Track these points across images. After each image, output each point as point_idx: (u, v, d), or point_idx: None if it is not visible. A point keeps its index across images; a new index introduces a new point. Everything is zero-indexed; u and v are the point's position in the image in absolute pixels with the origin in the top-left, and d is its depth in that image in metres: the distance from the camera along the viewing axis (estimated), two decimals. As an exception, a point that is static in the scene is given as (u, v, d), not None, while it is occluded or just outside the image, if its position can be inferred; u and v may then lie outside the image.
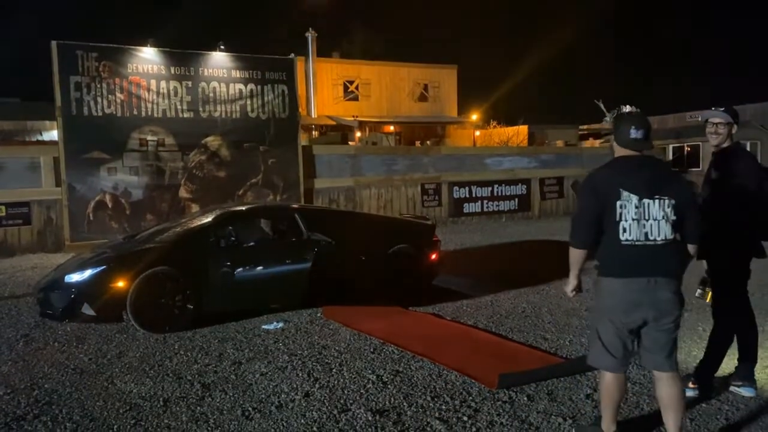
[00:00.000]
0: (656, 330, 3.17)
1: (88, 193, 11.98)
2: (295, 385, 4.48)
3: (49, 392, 4.43)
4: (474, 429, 3.73)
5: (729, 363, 4.36)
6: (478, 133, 35.46)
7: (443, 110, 34.59)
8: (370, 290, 6.85)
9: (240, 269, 6.31)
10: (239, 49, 22.67)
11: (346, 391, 4.35)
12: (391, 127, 32.23)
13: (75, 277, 6.03)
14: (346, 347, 5.37)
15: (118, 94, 12.24)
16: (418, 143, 29.70)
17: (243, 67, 13.56)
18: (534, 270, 8.92)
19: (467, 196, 16.36)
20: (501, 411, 3.96)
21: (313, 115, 29.05)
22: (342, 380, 4.56)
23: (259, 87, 13.66)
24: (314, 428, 3.78)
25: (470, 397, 4.19)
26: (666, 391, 3.23)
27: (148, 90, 12.54)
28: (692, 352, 5.04)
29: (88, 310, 5.88)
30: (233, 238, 6.47)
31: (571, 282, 3.41)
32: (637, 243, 3.11)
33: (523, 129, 33.30)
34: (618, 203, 3.12)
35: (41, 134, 23.97)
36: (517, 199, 17.16)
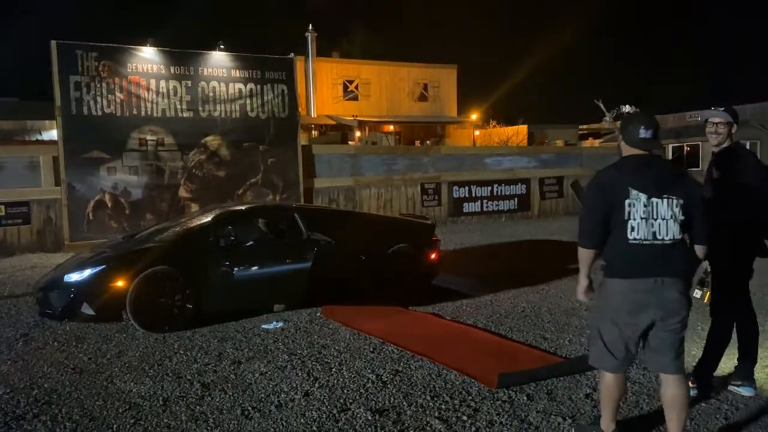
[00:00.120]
0: (663, 330, 3.16)
1: (87, 192, 11.97)
2: (294, 385, 4.47)
3: (49, 391, 4.43)
4: (473, 428, 3.73)
5: (728, 363, 4.37)
6: (477, 132, 35.49)
7: (443, 110, 34.61)
8: (370, 290, 6.85)
9: (239, 269, 6.31)
10: (239, 48, 22.69)
11: (345, 391, 4.35)
12: (391, 127, 32.25)
13: (74, 277, 6.03)
14: (345, 347, 5.37)
15: (118, 94, 12.23)
16: (417, 143, 29.72)
17: (242, 67, 13.55)
18: (533, 269, 8.92)
19: (467, 195, 16.36)
20: (500, 410, 3.96)
21: (313, 114, 29.06)
22: (341, 380, 4.56)
23: (258, 86, 13.65)
24: (314, 428, 3.77)
25: (470, 397, 4.19)
26: (672, 392, 3.22)
27: (148, 89, 12.53)
28: (692, 351, 5.03)
29: (87, 309, 5.88)
30: (233, 238, 6.47)
31: (582, 283, 3.33)
32: (644, 242, 3.10)
33: (523, 129, 33.32)
34: (626, 202, 3.10)
35: (41, 134, 23.96)
36: (516, 199, 17.15)
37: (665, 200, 3.10)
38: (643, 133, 3.18)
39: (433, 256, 7.51)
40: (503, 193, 16.93)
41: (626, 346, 3.23)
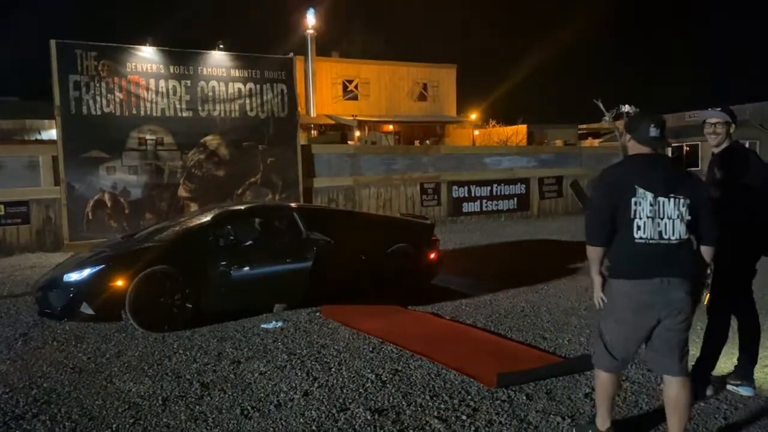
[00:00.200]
0: (667, 330, 3.15)
1: (87, 192, 11.97)
2: (294, 384, 4.48)
3: (48, 391, 4.43)
4: (473, 428, 3.73)
5: (727, 362, 4.37)
6: (477, 132, 35.50)
7: (442, 109, 34.62)
8: (369, 289, 6.86)
9: (239, 268, 6.30)
10: (238, 48, 22.68)
11: (345, 390, 4.35)
12: (391, 127, 32.25)
13: (74, 276, 6.03)
14: (345, 346, 5.37)
15: (117, 93, 12.23)
16: (417, 142, 29.72)
17: (242, 66, 13.55)
18: (533, 269, 8.92)
19: (466, 195, 16.37)
20: (500, 410, 3.96)
21: (312, 114, 29.06)
22: (341, 379, 4.56)
23: (258, 86, 13.65)
24: (313, 427, 3.78)
25: (469, 396, 4.19)
26: (675, 394, 3.21)
27: (147, 89, 12.53)
28: (691, 351, 5.03)
29: (86, 309, 5.88)
30: (232, 237, 6.47)
31: (596, 281, 3.30)
32: (650, 241, 3.08)
33: (522, 128, 33.33)
34: (633, 200, 3.09)
35: (40, 133, 23.95)
36: (516, 199, 17.16)
37: (672, 199, 3.09)
38: (654, 131, 3.18)
39: (432, 255, 7.51)
40: (503, 193, 16.94)
41: (627, 348, 3.23)
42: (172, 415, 3.99)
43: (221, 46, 21.60)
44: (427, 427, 3.75)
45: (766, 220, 4.00)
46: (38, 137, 23.57)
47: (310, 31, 29.67)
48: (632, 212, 3.10)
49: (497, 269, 9.20)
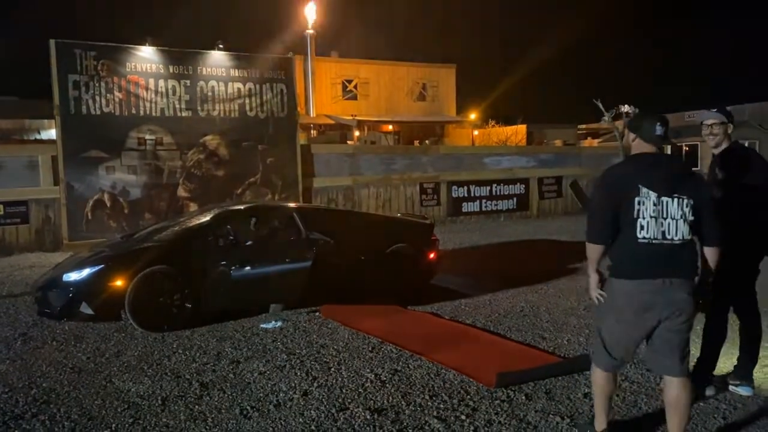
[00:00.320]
0: (669, 330, 3.14)
1: (86, 192, 11.96)
2: (293, 384, 4.48)
3: (47, 391, 4.43)
4: (472, 428, 3.73)
5: (727, 362, 4.38)
6: (476, 132, 35.52)
7: (442, 109, 34.62)
8: (369, 289, 6.85)
9: (238, 268, 6.30)
10: (238, 47, 22.66)
11: (344, 390, 4.35)
12: (390, 127, 32.25)
13: (73, 276, 6.03)
14: (344, 346, 5.37)
15: (117, 93, 12.22)
16: (416, 142, 29.71)
17: (241, 66, 13.55)
18: (532, 269, 8.93)
19: (466, 195, 16.36)
20: (499, 410, 3.97)
21: (312, 114, 29.06)
22: (340, 379, 4.57)
23: (257, 86, 13.65)
24: (312, 427, 3.78)
25: (468, 396, 4.19)
26: (675, 394, 3.20)
27: (147, 89, 12.52)
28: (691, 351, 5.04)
29: (86, 308, 5.88)
30: (231, 237, 6.47)
31: (592, 278, 3.30)
32: (653, 242, 3.07)
33: (522, 128, 33.34)
34: (636, 199, 3.07)
35: (39, 133, 23.95)
36: (515, 199, 17.16)
37: (675, 199, 3.07)
38: (659, 130, 3.18)
39: (431, 255, 7.51)
40: (502, 193, 16.94)
41: (627, 348, 3.22)
42: (171, 414, 3.99)
43: (221, 45, 21.54)
44: (427, 427, 3.75)
45: (765, 220, 4.00)
46: (37, 137, 23.56)
47: (310, 31, 29.67)
48: (635, 212, 3.08)
49: (497, 269, 9.20)
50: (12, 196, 11.63)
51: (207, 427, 3.80)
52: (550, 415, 3.87)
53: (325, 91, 31.07)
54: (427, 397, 4.18)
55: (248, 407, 4.08)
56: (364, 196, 15.04)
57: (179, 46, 13.49)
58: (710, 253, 3.27)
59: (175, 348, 5.41)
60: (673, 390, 3.21)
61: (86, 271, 6.01)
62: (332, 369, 4.79)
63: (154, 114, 12.59)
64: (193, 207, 12.43)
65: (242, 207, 7.42)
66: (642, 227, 3.08)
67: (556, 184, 17.88)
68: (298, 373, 4.70)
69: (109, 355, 5.24)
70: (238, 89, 13.45)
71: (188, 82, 12.91)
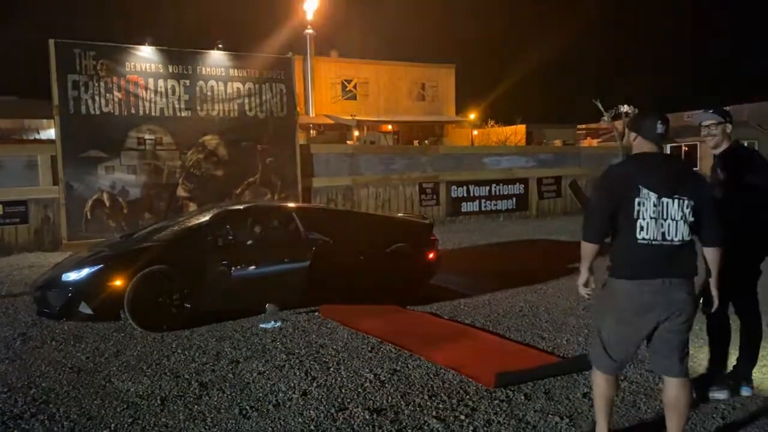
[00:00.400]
0: (668, 331, 3.13)
1: (85, 191, 11.96)
2: (292, 384, 4.48)
3: (47, 391, 4.43)
4: (471, 428, 3.73)
5: (727, 362, 4.37)
6: (476, 132, 35.51)
7: (441, 109, 34.62)
8: (368, 289, 6.85)
9: (237, 268, 6.30)
10: (237, 47, 22.66)
11: (343, 390, 4.35)
12: (389, 127, 32.24)
13: (72, 276, 6.03)
14: (343, 346, 5.37)
15: (116, 93, 12.22)
16: (416, 142, 29.70)
17: (241, 66, 13.55)
18: (532, 269, 8.93)
19: (465, 195, 16.37)
20: (498, 410, 3.97)
21: (311, 114, 29.07)
22: (339, 379, 4.57)
23: (257, 86, 13.65)
24: (311, 427, 3.78)
25: (467, 396, 4.19)
26: (674, 394, 3.20)
27: (146, 89, 12.52)
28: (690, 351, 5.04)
29: (85, 308, 5.88)
30: (231, 237, 6.47)
31: (583, 275, 3.29)
32: (653, 243, 3.06)
33: (521, 128, 33.32)
34: (636, 200, 3.06)
35: (38, 133, 23.93)
36: (514, 199, 17.17)
37: (676, 200, 3.06)
38: (660, 128, 3.17)
39: (431, 255, 7.51)
40: (501, 193, 16.95)
41: (626, 348, 3.21)
42: (170, 414, 3.99)
43: (220, 45, 21.53)
44: (426, 427, 3.75)
45: (765, 220, 4.00)
46: (37, 137, 23.53)
47: (309, 31, 29.66)
48: (635, 212, 3.07)
49: (496, 269, 9.21)
50: (11, 195, 11.63)
51: (206, 427, 3.80)
52: (549, 415, 3.88)
53: (324, 91, 31.07)
54: (426, 397, 4.19)
55: (247, 407, 4.08)
56: (363, 196, 15.04)
57: (178, 46, 13.51)
58: (711, 254, 3.25)
59: (174, 348, 5.41)
60: (672, 390, 3.21)
61: (85, 271, 6.01)
62: (331, 369, 4.79)
63: (153, 114, 12.59)
64: (192, 207, 12.43)
65: (241, 207, 7.41)
66: (642, 228, 3.07)
67: (555, 184, 17.89)
68: (298, 373, 4.70)
69: (109, 355, 5.24)
70: (238, 89, 13.45)
71: (187, 81, 12.91)
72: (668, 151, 26.19)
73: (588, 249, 3.23)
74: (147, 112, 12.53)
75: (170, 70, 12.79)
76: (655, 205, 3.06)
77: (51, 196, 11.87)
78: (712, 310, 3.47)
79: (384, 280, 6.96)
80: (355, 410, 4.00)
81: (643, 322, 3.13)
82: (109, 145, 12.14)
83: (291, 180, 13.98)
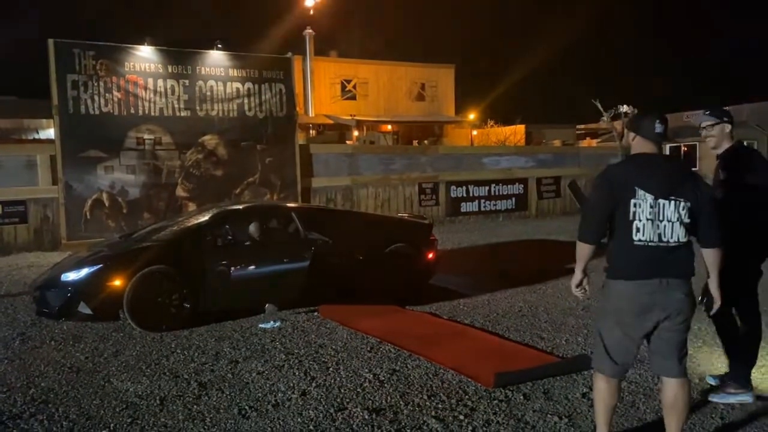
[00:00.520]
0: (667, 331, 3.13)
1: (84, 191, 11.96)
2: (291, 384, 4.48)
3: (46, 391, 4.43)
4: (470, 428, 3.73)
5: (726, 362, 4.38)
6: (475, 132, 35.47)
7: (441, 109, 34.61)
8: (367, 289, 6.85)
9: (237, 268, 6.30)
10: (237, 47, 22.67)
11: (342, 390, 4.35)
12: (389, 127, 32.22)
13: (71, 276, 6.03)
14: (342, 346, 5.37)
15: (115, 93, 12.22)
16: (415, 142, 29.71)
17: (240, 66, 13.56)
18: (531, 269, 8.93)
19: (464, 195, 16.38)
20: (497, 410, 3.97)
21: (311, 114, 29.05)
22: (339, 379, 4.57)
23: (256, 86, 13.65)
24: (311, 427, 3.78)
25: (466, 396, 4.19)
26: (673, 395, 3.19)
27: (146, 88, 12.53)
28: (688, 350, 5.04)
29: (84, 308, 5.88)
30: (230, 237, 6.47)
31: (577, 276, 3.29)
32: (650, 244, 3.06)
33: (521, 128, 33.30)
34: (632, 201, 3.07)
35: (38, 132, 23.91)
36: (514, 199, 17.18)
37: (672, 202, 3.06)
38: (659, 127, 3.17)
39: (430, 255, 7.51)
40: (501, 193, 16.96)
41: (627, 349, 3.19)
42: (169, 414, 3.99)
43: (219, 45, 21.56)
44: (425, 427, 3.75)
45: (765, 220, 4.00)
46: (36, 136, 23.53)
47: (309, 31, 29.64)
48: (631, 214, 3.07)
49: (495, 269, 9.20)
50: (10, 195, 11.64)
51: (205, 427, 3.80)
52: (548, 415, 3.88)
53: (323, 91, 31.04)
54: (425, 397, 4.19)
55: (247, 407, 4.08)
56: (362, 196, 15.05)
57: (178, 46, 13.51)
58: (709, 255, 3.24)
59: (174, 348, 5.41)
60: (671, 390, 3.20)
61: (84, 271, 6.01)
62: (331, 369, 4.79)
63: (152, 114, 12.59)
64: (191, 207, 12.44)
65: (241, 207, 7.42)
66: (638, 230, 3.07)
67: (554, 184, 17.90)
68: (297, 373, 4.70)
69: (108, 355, 5.24)
70: (237, 89, 13.45)
71: (187, 81, 12.92)
72: (668, 152, 26.24)
73: (584, 249, 3.22)
74: (146, 112, 12.53)
75: (170, 70, 12.79)
76: (651, 207, 3.06)
77: (50, 195, 11.87)
78: (712, 312, 3.47)
79: (383, 280, 6.96)
80: (354, 410, 4.00)
81: (641, 322, 3.13)
82: (108, 145, 12.15)
83: (290, 180, 13.98)
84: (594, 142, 31.49)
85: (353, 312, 6.36)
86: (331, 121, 28.86)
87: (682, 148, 26.51)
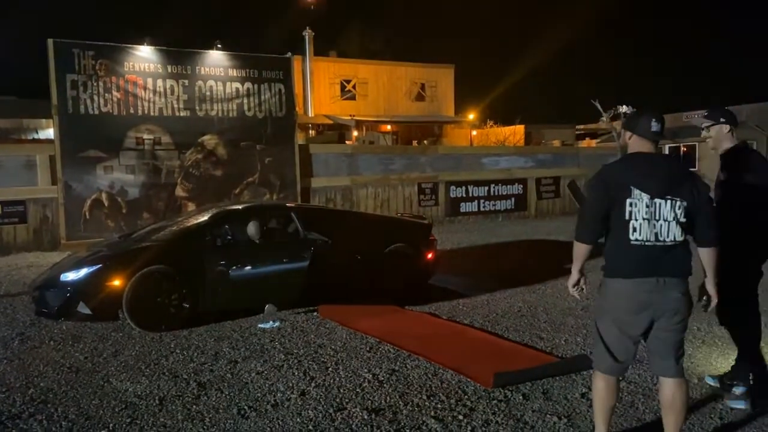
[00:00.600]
0: (664, 330, 3.13)
1: (84, 191, 11.96)
2: (291, 384, 4.48)
3: (45, 391, 4.43)
4: (469, 428, 3.74)
5: (724, 362, 4.39)
6: (474, 132, 35.49)
7: (440, 110, 34.62)
8: (367, 289, 6.85)
9: (236, 268, 6.30)
10: (236, 47, 22.67)
11: (342, 390, 4.35)
12: (388, 127, 32.23)
13: (71, 276, 6.02)
14: (342, 346, 5.37)
15: (115, 93, 12.22)
16: (415, 143, 29.71)
17: (240, 66, 13.55)
18: (530, 269, 8.94)
19: (464, 195, 16.38)
20: (496, 410, 3.97)
21: (310, 114, 29.06)
22: (338, 379, 4.57)
23: (255, 86, 13.65)
24: (310, 427, 3.78)
25: (466, 396, 4.20)
26: (671, 394, 3.19)
27: (145, 88, 12.52)
28: (687, 350, 5.05)
29: (83, 308, 5.87)
30: (229, 237, 6.47)
31: (573, 276, 3.31)
32: (646, 243, 3.07)
33: (520, 128, 33.31)
34: (628, 201, 3.07)
35: (37, 132, 23.91)
36: (513, 199, 17.18)
37: (668, 201, 3.06)
38: (655, 126, 3.18)
39: (429, 255, 7.52)
40: (500, 193, 16.96)
41: (627, 348, 3.20)
42: (168, 414, 3.99)
43: (219, 45, 21.58)
44: (424, 427, 3.75)
45: (764, 220, 4.00)
46: (35, 136, 23.52)
47: (308, 31, 29.65)
48: (627, 213, 3.08)
49: (494, 269, 9.21)
50: (10, 195, 11.63)
51: (204, 427, 3.80)
52: (548, 415, 3.88)
53: (323, 91, 31.05)
54: (424, 397, 4.19)
55: (246, 407, 4.08)
56: (362, 196, 15.05)
57: (177, 46, 13.51)
58: (706, 254, 3.24)
59: (173, 348, 5.41)
60: (668, 390, 3.20)
61: (84, 271, 6.01)
62: (330, 369, 4.79)
63: (152, 114, 12.59)
64: (191, 207, 12.44)
65: (240, 207, 7.41)
66: (635, 229, 3.08)
67: (554, 184, 17.91)
68: (296, 373, 4.71)
69: (107, 355, 5.24)
70: (237, 89, 13.45)
71: (186, 81, 12.91)
72: (666, 152, 26.25)
73: (581, 249, 3.23)
74: (146, 111, 12.53)
75: (169, 69, 12.79)
76: (647, 206, 3.07)
77: (50, 195, 11.86)
78: (708, 309, 3.47)
79: (383, 280, 6.97)
80: (353, 410, 4.00)
81: (639, 320, 3.13)
82: (107, 145, 12.14)
83: (290, 180, 13.98)
84: (593, 143, 31.53)
85: (352, 312, 6.36)
86: (330, 121, 28.87)
87: (682, 148, 26.52)
